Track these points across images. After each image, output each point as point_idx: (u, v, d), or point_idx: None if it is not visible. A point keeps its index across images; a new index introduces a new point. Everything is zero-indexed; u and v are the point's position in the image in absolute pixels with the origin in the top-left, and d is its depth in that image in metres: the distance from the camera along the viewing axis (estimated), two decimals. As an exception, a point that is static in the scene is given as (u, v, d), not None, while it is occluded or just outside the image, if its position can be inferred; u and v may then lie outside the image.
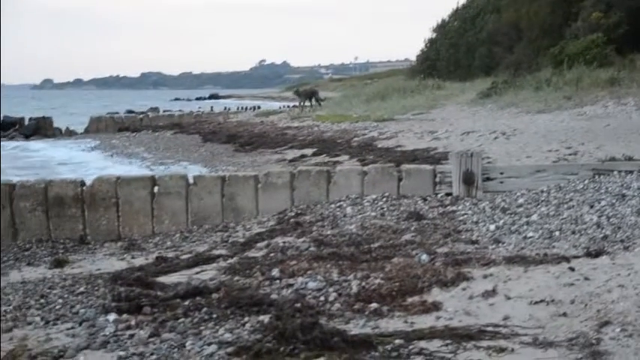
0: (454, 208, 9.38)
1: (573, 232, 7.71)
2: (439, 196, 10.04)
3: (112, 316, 5.65)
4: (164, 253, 8.66)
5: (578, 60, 28.73)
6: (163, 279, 7.00)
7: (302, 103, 32.31)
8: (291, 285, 6.24)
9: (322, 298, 5.90)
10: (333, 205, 9.76)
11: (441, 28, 58.49)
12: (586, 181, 9.80)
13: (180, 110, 54.33)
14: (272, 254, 7.65)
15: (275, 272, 6.62)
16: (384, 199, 9.83)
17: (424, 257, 6.96)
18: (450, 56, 53.16)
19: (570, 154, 14.32)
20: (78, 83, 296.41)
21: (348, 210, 9.48)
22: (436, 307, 5.61)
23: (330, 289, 6.06)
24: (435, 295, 5.90)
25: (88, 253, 9.45)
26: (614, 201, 8.76)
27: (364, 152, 18.29)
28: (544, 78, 29.26)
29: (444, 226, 8.45)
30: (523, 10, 38.92)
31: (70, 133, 40.34)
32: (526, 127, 20.54)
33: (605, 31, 29.77)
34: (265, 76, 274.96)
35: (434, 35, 59.46)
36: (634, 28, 29.40)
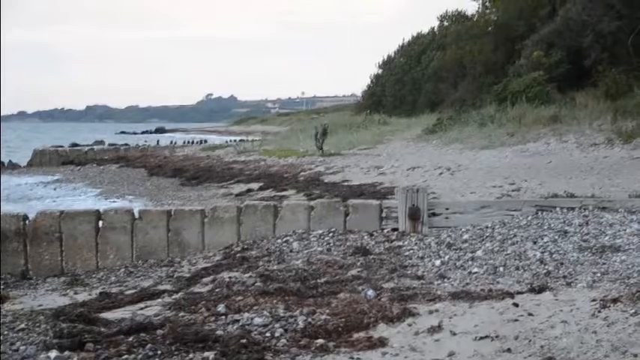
0: (400, 243, 9.42)
1: (517, 268, 7.78)
2: (385, 231, 10.07)
3: (53, 354, 5.53)
4: (108, 289, 8.55)
5: (521, 97, 29.22)
6: (107, 315, 6.90)
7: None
8: (237, 321, 6.19)
9: (268, 334, 5.86)
10: (279, 240, 9.75)
11: (387, 64, 59.11)
12: (529, 218, 9.93)
13: (126, 144, 53.92)
14: (218, 289, 7.60)
15: (221, 308, 6.57)
16: (331, 234, 9.84)
17: (370, 293, 6.98)
18: (396, 92, 53.71)
19: (514, 190, 14.51)
20: (22, 116, 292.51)
21: (295, 245, 9.47)
22: (382, 343, 5.62)
23: (277, 325, 6.03)
24: (381, 330, 5.91)
25: (30, 288, 9.27)
26: (556, 237, 8.89)
27: (311, 187, 18.33)
28: (488, 114, 29.68)
29: (390, 262, 8.48)
30: (467, 47, 39.56)
31: (12, 167, 39.74)
32: (470, 163, 20.79)
33: (546, 70, 30.35)
34: (212, 109, 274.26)
35: (380, 71, 60.03)
36: (574, 67, 30.03)
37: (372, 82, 61.01)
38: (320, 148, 28.54)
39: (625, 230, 9.00)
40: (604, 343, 5.29)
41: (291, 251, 9.22)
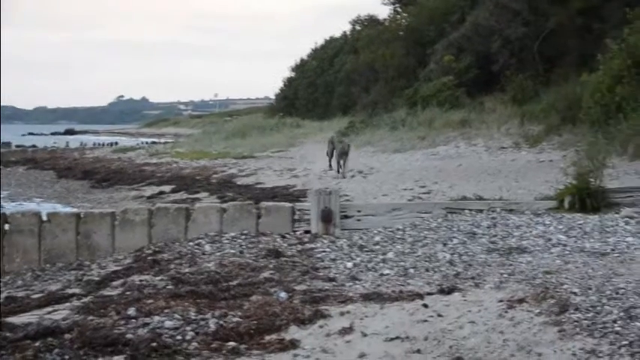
0: (312, 245, 9.44)
1: (427, 270, 7.88)
2: (298, 233, 10.09)
3: (-44, 360, 5.39)
4: (14, 293, 8.36)
5: (432, 101, 29.69)
6: (13, 319, 6.73)
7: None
8: (147, 324, 6.12)
9: (179, 337, 5.81)
10: (191, 243, 9.66)
11: (300, 67, 59.24)
12: (439, 220, 10.08)
13: (34, 145, 52.74)
14: (128, 293, 7.49)
15: (131, 311, 6.48)
16: (243, 237, 9.80)
17: (282, 295, 6.98)
18: (309, 95, 53.89)
19: (424, 193, 14.75)
20: None
21: (207, 247, 9.41)
22: (294, 345, 5.63)
23: (188, 328, 5.98)
24: (293, 332, 5.92)
25: None
26: (465, 239, 9.05)
27: (224, 189, 18.29)
28: (399, 118, 30.10)
29: (302, 264, 8.50)
30: (379, 51, 39.93)
31: None
32: (382, 165, 21.04)
33: (456, 75, 30.90)
34: (123, 111, 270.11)
35: (293, 74, 60.14)
36: (483, 72, 30.64)
37: (285, 85, 61.08)
38: (338, 170, 20.90)
39: (531, 232, 9.22)
40: (510, 343, 5.41)
41: (203, 254, 9.15)
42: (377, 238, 9.44)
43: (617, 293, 6.31)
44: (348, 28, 55.31)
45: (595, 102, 19.88)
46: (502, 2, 30.04)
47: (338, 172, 20.73)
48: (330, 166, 21.66)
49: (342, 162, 20.81)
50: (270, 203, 11.32)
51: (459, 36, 32.63)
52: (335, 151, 21.32)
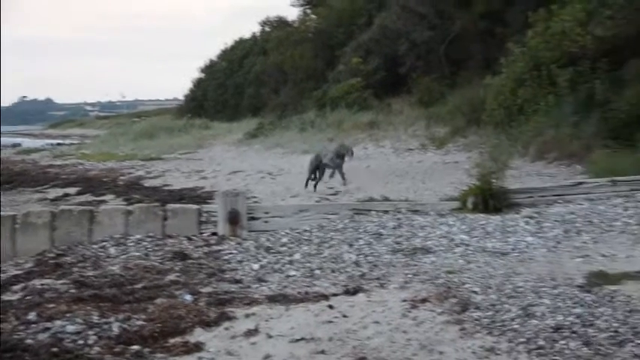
0: (219, 247, 9.39)
1: (333, 271, 7.93)
2: (205, 235, 10.02)
3: None
4: None
5: (340, 103, 29.86)
6: None
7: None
8: (48, 329, 5.99)
9: (81, 342, 5.72)
10: (95, 246, 9.50)
11: (209, 68, 58.82)
12: (346, 221, 10.15)
13: None
14: (29, 297, 7.32)
15: (31, 316, 6.34)
16: (149, 239, 9.68)
17: (188, 297, 6.94)
18: (218, 96, 53.54)
19: (332, 194, 14.82)
20: None
21: (112, 250, 9.26)
22: (198, 347, 5.60)
23: (90, 332, 5.89)
24: (198, 335, 5.89)
25: None
26: (371, 240, 9.15)
27: (131, 191, 18.03)
28: (308, 120, 30.20)
29: (208, 266, 8.45)
30: (288, 53, 39.97)
31: None
32: (292, 167, 21.06)
33: (364, 76, 31.14)
34: (27, 112, 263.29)
35: (202, 75, 59.69)
36: (391, 75, 30.97)
37: (194, 86, 60.56)
38: (315, 186, 16.49)
39: (435, 232, 9.37)
40: (413, 342, 5.49)
41: (107, 257, 9.01)
42: (284, 240, 9.46)
43: (515, 292, 6.50)
44: (258, 29, 55.22)
45: (498, 104, 20.31)
46: (409, 6, 30.45)
47: (315, 187, 16.13)
48: (308, 183, 16.36)
49: (333, 172, 16.72)
50: (177, 205, 11.23)
51: (366, 38, 32.91)
52: (326, 160, 16.45)
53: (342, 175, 16.73)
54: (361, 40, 33.35)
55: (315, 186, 16.33)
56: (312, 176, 16.64)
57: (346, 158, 16.90)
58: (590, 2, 17.36)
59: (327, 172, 16.95)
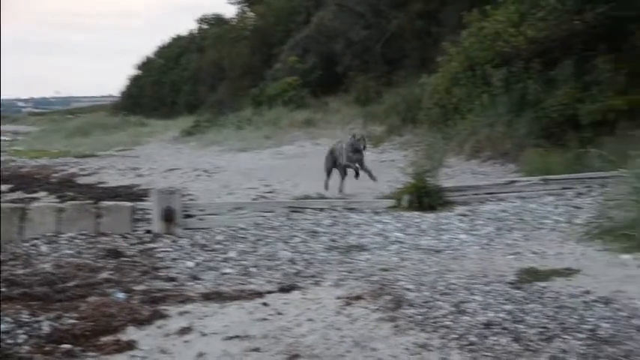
0: (154, 245, 9.32)
1: (269, 268, 7.93)
2: (139, 233, 9.93)
3: None
4: None
5: (277, 101, 29.87)
6: None
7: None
8: (-25, 329, 5.89)
9: (10, 341, 5.62)
10: (27, 244, 9.36)
11: (146, 65, 58.32)
12: (282, 219, 10.18)
13: None
14: (-44, 297, 7.19)
15: (-42, 316, 6.22)
16: (82, 237, 9.57)
17: (120, 295, 6.87)
18: (155, 93, 53.11)
19: (269, 192, 14.79)
20: None
21: (44, 248, 9.13)
22: (130, 346, 5.55)
23: (20, 331, 5.79)
24: (130, 333, 5.84)
25: None
26: (306, 237, 9.18)
27: (64, 189, 17.75)
28: (245, 117, 30.13)
29: (142, 264, 8.38)
30: (225, 50, 39.82)
31: None
32: (228, 165, 20.97)
33: (301, 75, 31.17)
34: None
35: (139, 72, 59.14)
36: (328, 73, 31.05)
37: (130, 83, 59.98)
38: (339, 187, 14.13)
39: (370, 230, 9.44)
40: (347, 339, 5.52)
41: (39, 255, 8.87)
42: (219, 237, 9.43)
43: (448, 289, 6.57)
44: (195, 26, 54.86)
45: (434, 103, 20.49)
46: (346, 4, 30.56)
47: (341, 190, 13.78)
48: (327, 185, 14.08)
49: (357, 171, 13.78)
50: (111, 203, 11.09)
51: (304, 37, 32.96)
52: (342, 158, 13.95)
53: (368, 171, 13.70)
54: (298, 38, 33.38)
55: (339, 189, 13.78)
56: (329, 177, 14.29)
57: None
58: (523, 4, 17.61)
59: (350, 171, 14.10)
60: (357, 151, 13.83)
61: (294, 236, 9.26)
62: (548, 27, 16.23)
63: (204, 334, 5.80)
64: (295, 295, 6.83)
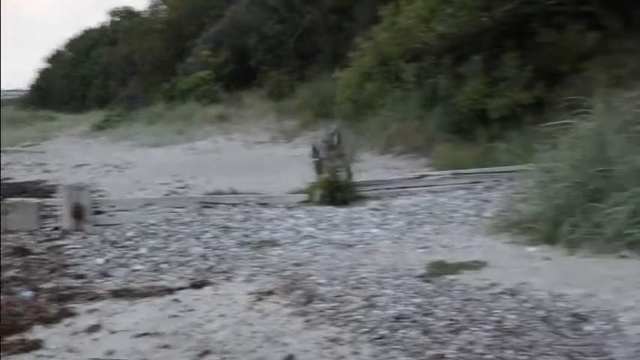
0: (62, 242, 9.16)
1: (180, 264, 7.86)
2: (47, 230, 9.74)
3: None
4: None
5: (190, 96, 29.62)
6: None
7: None
8: None
9: None
10: None
11: (55, 58, 57.08)
12: (193, 214, 10.11)
13: None
14: None
15: None
16: (-13, 235, 9.33)
17: (27, 294, 6.73)
18: (64, 87, 51.99)
19: (181, 188, 14.67)
20: None
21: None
22: (37, 345, 5.43)
23: None
24: (37, 332, 5.71)
25: None
26: (219, 233, 9.14)
27: (-33, 185, 17.30)
28: (157, 112, 29.80)
29: (50, 261, 8.22)
30: (136, 44, 39.27)
31: None
32: (140, 160, 20.73)
33: (214, 69, 30.95)
34: None
35: (47, 65, 57.86)
36: (241, 68, 30.91)
37: (39, 76, 58.63)
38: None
39: (282, 225, 9.45)
40: (258, 334, 5.51)
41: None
42: (130, 234, 9.32)
43: (359, 283, 6.62)
44: (107, 19, 53.90)
45: (346, 98, 20.60)
46: (259, -1, 30.51)
47: None
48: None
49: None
50: (17, 199, 10.85)
51: (217, 31, 32.72)
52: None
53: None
54: (211, 32, 33.12)
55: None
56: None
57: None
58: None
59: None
60: (331, 147, 12.05)
61: (206, 232, 9.22)
62: (458, 23, 16.47)
63: (113, 332, 5.72)
64: (207, 291, 6.80)
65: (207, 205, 10.60)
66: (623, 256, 7.10)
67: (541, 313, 5.63)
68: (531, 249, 7.70)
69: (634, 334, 5.15)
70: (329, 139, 12.26)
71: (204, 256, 8.12)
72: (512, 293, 6.13)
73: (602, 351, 4.94)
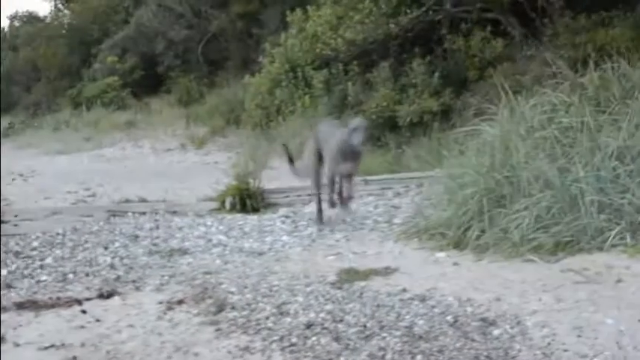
0: (-37, 254, 8.88)
1: (87, 274, 7.70)
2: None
3: None
4: None
5: (97, 102, 29.17)
6: None
7: None
8: None
9: None
10: None
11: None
12: (101, 223, 9.93)
13: None
14: None
15: None
16: None
17: None
18: (-36, 93, 50.57)
19: (89, 196, 14.40)
20: None
21: None
22: None
23: None
24: None
25: None
26: (127, 242, 8.98)
27: None
28: (63, 119, 29.27)
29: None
30: (41, 49, 38.43)
31: None
32: (46, 168, 20.26)
33: (121, 75, 30.54)
34: None
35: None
36: (148, 74, 30.58)
37: None
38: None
39: (193, 233, 9.35)
40: (168, 344, 5.45)
41: None
42: (35, 244, 9.07)
43: (271, 291, 6.60)
44: (6, 23, 52.58)
45: (256, 105, 20.58)
46: (165, 4, 30.21)
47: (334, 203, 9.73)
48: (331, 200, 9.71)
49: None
50: None
51: (123, 36, 32.26)
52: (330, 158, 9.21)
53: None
54: (117, 38, 32.65)
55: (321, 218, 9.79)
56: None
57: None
58: (341, 6, 17.99)
59: None
60: (353, 152, 8.96)
61: (114, 241, 9.05)
62: (365, 30, 16.65)
63: (17, 345, 5.56)
64: (115, 301, 6.69)
65: (115, 213, 10.43)
66: (528, 260, 7.25)
67: (450, 318, 5.71)
68: (440, 255, 7.79)
69: (538, 337, 5.26)
70: (352, 139, 8.83)
71: (112, 266, 7.97)
72: (422, 299, 6.19)
73: (508, 354, 5.03)
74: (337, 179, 9.49)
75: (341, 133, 9.00)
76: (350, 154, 8.95)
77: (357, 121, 9.15)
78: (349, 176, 9.35)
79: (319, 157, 9.55)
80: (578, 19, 15.77)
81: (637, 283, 6.35)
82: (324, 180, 9.64)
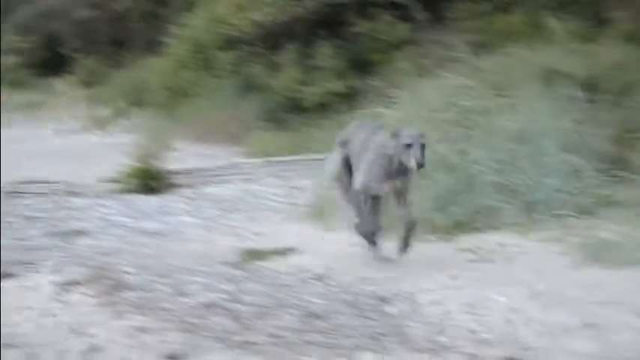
0: None
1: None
2: None
3: None
4: None
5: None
6: None
7: None
8: None
9: None
10: None
11: None
12: (-1, 204, 9.73)
13: None
14: None
15: None
16: None
17: None
18: None
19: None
20: None
21: None
22: None
23: None
24: None
25: None
26: (25, 223, 8.83)
27: None
28: (-39, 100, 28.42)
29: None
30: None
31: None
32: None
33: (23, 55, 29.81)
34: None
35: None
36: (51, 54, 29.90)
37: None
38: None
39: (92, 215, 9.27)
40: (63, 326, 5.38)
41: None
42: None
43: (169, 271, 6.58)
44: None
45: (161, 86, 20.34)
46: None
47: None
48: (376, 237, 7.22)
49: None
50: None
51: (25, 15, 31.43)
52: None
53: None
54: (19, 16, 31.78)
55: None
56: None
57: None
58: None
59: None
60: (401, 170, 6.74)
61: (12, 222, 8.88)
62: (272, 12, 16.62)
63: None
64: (11, 283, 6.55)
65: (14, 194, 10.23)
66: (426, 240, 7.40)
67: (347, 297, 5.80)
68: (340, 235, 7.88)
69: (432, 314, 5.39)
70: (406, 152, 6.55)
71: (8, 248, 7.82)
72: (320, 278, 6.28)
73: (402, 331, 5.14)
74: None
75: (385, 147, 6.76)
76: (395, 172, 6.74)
77: (410, 133, 6.64)
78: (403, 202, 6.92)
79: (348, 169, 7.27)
80: (479, 3, 16.01)
81: (527, 261, 6.56)
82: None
